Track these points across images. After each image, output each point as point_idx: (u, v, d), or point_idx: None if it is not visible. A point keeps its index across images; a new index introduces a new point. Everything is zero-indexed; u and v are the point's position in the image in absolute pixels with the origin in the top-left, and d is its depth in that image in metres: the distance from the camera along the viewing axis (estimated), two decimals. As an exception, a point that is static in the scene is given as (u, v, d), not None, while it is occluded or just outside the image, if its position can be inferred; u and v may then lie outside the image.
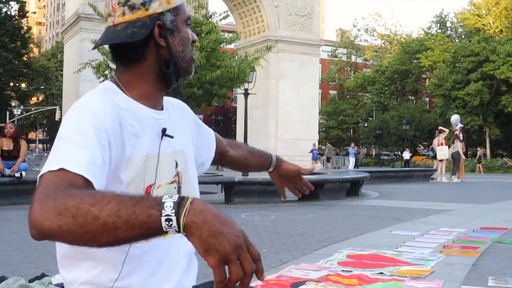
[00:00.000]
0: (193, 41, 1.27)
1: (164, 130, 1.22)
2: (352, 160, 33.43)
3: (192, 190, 1.30)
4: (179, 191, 1.25)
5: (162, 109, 1.28)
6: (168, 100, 1.35)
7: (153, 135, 1.21)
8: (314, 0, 33.89)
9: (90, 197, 0.88)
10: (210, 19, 15.13)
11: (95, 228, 0.86)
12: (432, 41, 50.10)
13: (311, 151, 29.63)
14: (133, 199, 0.88)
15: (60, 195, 0.89)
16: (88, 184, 0.98)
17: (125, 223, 0.85)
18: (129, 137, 1.15)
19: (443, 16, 55.13)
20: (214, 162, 1.56)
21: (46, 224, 0.87)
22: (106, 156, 1.07)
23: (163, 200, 0.86)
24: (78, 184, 0.96)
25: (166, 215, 0.85)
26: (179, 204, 0.86)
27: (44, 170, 0.99)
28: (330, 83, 61.00)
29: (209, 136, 1.50)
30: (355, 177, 11.79)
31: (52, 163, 0.99)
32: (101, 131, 1.08)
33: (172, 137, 1.23)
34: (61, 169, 0.97)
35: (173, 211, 0.85)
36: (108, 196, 0.88)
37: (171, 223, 0.85)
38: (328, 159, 29.77)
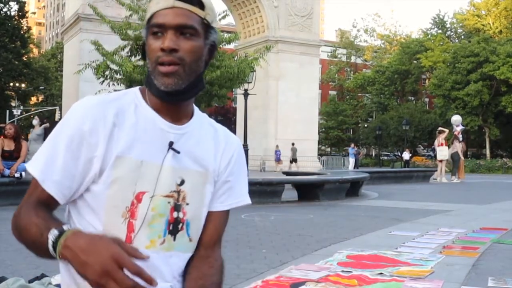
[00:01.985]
0: (162, 49, 1.15)
1: (170, 143, 1.21)
2: (351, 160, 33.45)
3: (199, 212, 1.27)
4: (176, 209, 1.22)
5: (182, 123, 1.25)
6: (214, 126, 1.33)
7: (155, 145, 1.20)
8: (314, 0, 33.86)
9: (31, 225, 1.11)
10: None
11: (27, 245, 1.13)
12: (432, 41, 50.08)
13: (275, 152, 29.89)
14: (46, 229, 1.07)
15: (22, 213, 1.14)
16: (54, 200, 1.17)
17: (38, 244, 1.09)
18: (124, 137, 1.17)
19: (441, 17, 55.08)
20: None
21: (11, 230, 1.16)
22: (80, 164, 1.16)
23: (48, 235, 1.05)
24: (44, 198, 1.16)
25: (51, 244, 1.04)
26: (57, 240, 1.03)
27: (34, 167, 1.17)
28: (330, 83, 60.95)
29: (229, 194, 1.33)
30: (355, 178, 11.80)
31: (37, 168, 1.17)
32: (79, 138, 1.15)
33: (178, 152, 1.22)
34: (39, 181, 1.16)
35: (52, 243, 1.04)
36: (40, 225, 1.09)
37: (54, 253, 1.04)
38: (294, 160, 29.77)
